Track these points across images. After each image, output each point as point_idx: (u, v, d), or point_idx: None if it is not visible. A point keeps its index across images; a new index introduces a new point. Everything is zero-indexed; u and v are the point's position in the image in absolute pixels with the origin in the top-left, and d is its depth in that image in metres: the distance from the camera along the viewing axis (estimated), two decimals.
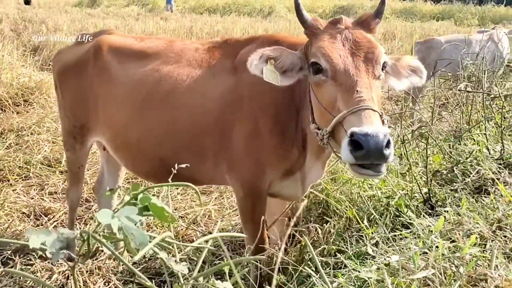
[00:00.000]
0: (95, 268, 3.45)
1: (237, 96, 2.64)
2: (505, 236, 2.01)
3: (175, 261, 1.11)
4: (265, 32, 15.69)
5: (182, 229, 3.90)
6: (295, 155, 2.65)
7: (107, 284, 3.35)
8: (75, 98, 3.22)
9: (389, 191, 3.17)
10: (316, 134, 2.22)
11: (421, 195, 2.98)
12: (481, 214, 2.26)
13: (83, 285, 3.25)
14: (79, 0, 26.91)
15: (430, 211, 2.80)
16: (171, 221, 1.18)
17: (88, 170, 4.91)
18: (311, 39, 2.27)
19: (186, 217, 4.29)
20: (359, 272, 1.85)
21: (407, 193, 3.07)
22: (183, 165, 1.63)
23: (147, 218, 1.22)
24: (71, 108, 3.27)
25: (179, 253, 1.27)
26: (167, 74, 2.83)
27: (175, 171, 1.97)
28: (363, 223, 2.79)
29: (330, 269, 2.18)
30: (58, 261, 3.29)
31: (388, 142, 1.80)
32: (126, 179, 4.72)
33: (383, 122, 1.98)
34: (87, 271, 3.39)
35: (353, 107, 1.91)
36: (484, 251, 1.87)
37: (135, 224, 1.08)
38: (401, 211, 2.84)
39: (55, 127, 6.03)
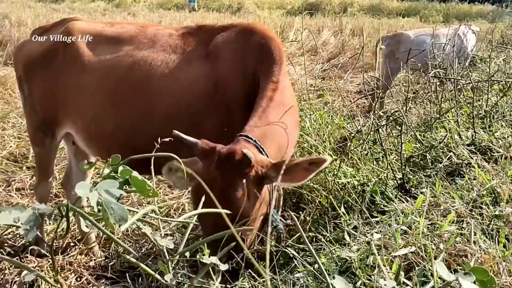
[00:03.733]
0: (66, 263, 3.36)
1: (210, 83, 2.60)
2: (481, 214, 2.05)
3: (160, 235, 1.07)
4: None
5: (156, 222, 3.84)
6: None
7: (79, 279, 3.26)
8: (44, 90, 3.07)
9: (363, 178, 3.18)
10: None
11: (395, 181, 3.00)
12: (456, 194, 2.30)
13: (54, 281, 3.16)
14: None
15: (405, 196, 2.82)
16: (153, 195, 1.14)
17: (56, 166, 4.78)
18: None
19: (160, 211, 4.22)
20: (340, 252, 1.85)
21: (382, 179, 3.09)
22: (167, 139, 1.58)
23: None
24: (41, 101, 3.12)
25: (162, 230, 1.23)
26: (141, 59, 2.75)
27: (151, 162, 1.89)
28: (340, 209, 2.80)
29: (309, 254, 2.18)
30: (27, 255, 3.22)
31: None
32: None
33: None
34: (58, 267, 3.29)
35: None
36: (462, 229, 1.90)
37: (116, 199, 1.03)
38: (375, 198, 2.86)
39: (21, 123, 5.85)
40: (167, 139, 1.60)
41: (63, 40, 2.98)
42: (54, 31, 3.09)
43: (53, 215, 1.04)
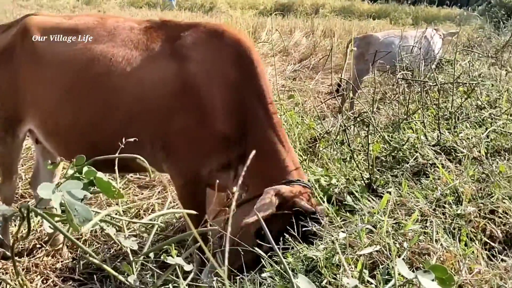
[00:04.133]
0: (32, 265, 3.29)
1: (179, 84, 2.56)
2: (444, 213, 2.11)
3: (124, 236, 1.06)
4: None
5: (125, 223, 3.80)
6: (237, 145, 2.64)
7: (45, 281, 3.20)
8: (4, 88, 2.98)
9: (332, 178, 3.22)
10: None
11: (363, 181, 3.05)
12: (421, 193, 2.35)
13: (19, 283, 3.09)
14: None
15: (372, 196, 2.86)
16: (118, 196, 1.13)
17: (23, 166, 4.68)
18: None
19: (129, 211, 4.17)
20: (307, 252, 1.87)
21: (349, 180, 3.14)
22: (131, 139, 1.57)
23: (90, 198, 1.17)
24: (0, 99, 3.02)
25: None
26: (100, 53, 2.65)
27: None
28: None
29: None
30: None
31: None
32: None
33: None
34: (23, 269, 3.23)
35: None
36: (426, 227, 1.95)
37: (80, 200, 1.02)
38: (343, 198, 2.90)
39: None
40: (131, 139, 1.58)
41: (20, 34, 2.88)
42: (14, 28, 3.00)
43: (16, 217, 1.02)
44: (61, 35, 2.79)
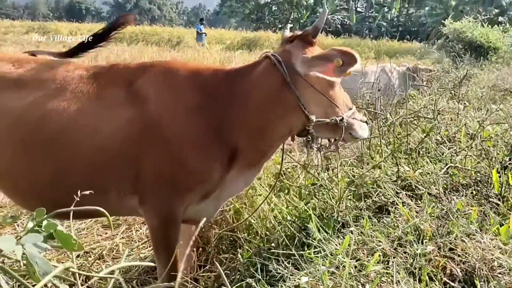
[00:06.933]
0: None
1: (141, 126, 2.49)
2: (405, 252, 2.13)
3: None
4: None
5: (88, 265, 3.69)
6: (218, 173, 2.60)
7: None
8: None
9: (302, 212, 3.24)
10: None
11: (331, 215, 3.08)
12: (383, 232, 2.38)
13: None
14: None
15: (341, 229, 2.88)
16: (78, 249, 1.11)
17: None
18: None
19: (92, 252, 4.06)
20: None
21: (319, 214, 3.16)
22: (87, 192, 1.53)
23: (45, 251, 1.14)
24: None
25: (82, 285, 1.19)
26: (51, 109, 2.52)
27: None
28: (275, 247, 2.83)
29: None
30: None
31: None
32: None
33: None
34: None
35: None
36: (387, 268, 1.97)
37: (40, 252, 1.01)
38: (309, 233, 2.91)
39: None
40: (87, 192, 1.54)
41: None
42: None
43: None
44: (10, 88, 2.63)
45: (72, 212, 1.49)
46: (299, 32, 2.61)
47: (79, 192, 1.45)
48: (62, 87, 2.59)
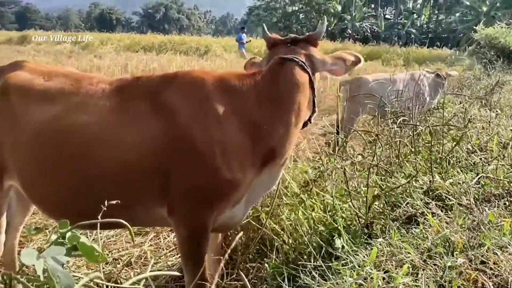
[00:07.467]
0: None
1: (170, 139, 2.48)
2: (435, 265, 2.09)
3: None
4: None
5: (116, 272, 3.74)
6: (251, 177, 2.60)
7: None
8: None
9: (329, 223, 3.21)
10: None
11: (359, 225, 3.05)
12: (412, 244, 2.34)
13: None
14: (8, 37, 26.07)
15: (369, 239, 2.84)
16: (102, 261, 1.12)
17: None
18: None
19: (121, 259, 4.11)
20: None
21: (345, 226, 3.13)
22: (113, 202, 1.55)
23: (76, 258, 1.15)
24: None
25: None
26: (75, 123, 2.57)
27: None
28: (301, 257, 2.82)
29: None
30: None
31: None
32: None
33: None
34: None
35: None
36: (416, 280, 1.93)
37: (62, 266, 1.02)
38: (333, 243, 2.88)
39: None
40: (113, 202, 1.56)
41: (0, 91, 2.80)
42: (3, 75, 2.90)
43: None
44: (37, 100, 2.70)
45: (98, 223, 1.51)
46: (297, 36, 2.96)
47: (106, 202, 1.46)
48: (85, 103, 2.63)
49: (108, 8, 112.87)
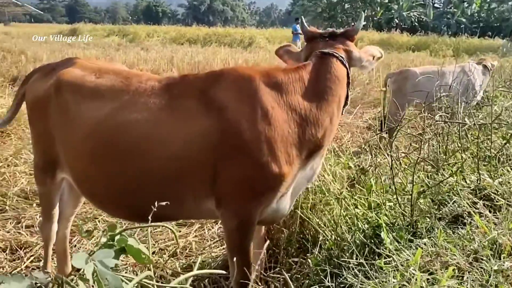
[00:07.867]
0: None
1: (218, 134, 2.54)
2: (481, 268, 2.05)
3: None
4: (245, 62, 15.91)
5: (162, 262, 3.85)
6: (297, 169, 2.67)
7: None
8: (40, 133, 3.08)
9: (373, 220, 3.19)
10: None
11: (404, 223, 3.01)
12: (458, 245, 2.29)
13: None
14: (58, 30, 26.96)
15: (413, 238, 2.81)
16: (148, 262, 1.18)
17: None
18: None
19: (167, 249, 4.23)
20: None
21: (389, 223, 3.10)
22: (163, 203, 1.60)
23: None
24: (37, 143, 3.15)
25: None
26: (125, 120, 2.67)
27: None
28: (344, 254, 2.81)
29: None
30: None
31: None
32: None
33: None
34: None
35: None
36: (462, 283, 1.90)
37: (110, 268, 1.07)
38: (380, 241, 2.85)
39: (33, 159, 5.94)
40: (163, 203, 1.61)
41: (54, 88, 2.94)
42: (52, 76, 3.03)
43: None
44: (89, 97, 2.82)
45: (146, 217, 1.58)
46: (335, 31, 3.03)
47: (156, 203, 1.52)
48: (135, 100, 2.72)
49: (154, 1, 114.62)
